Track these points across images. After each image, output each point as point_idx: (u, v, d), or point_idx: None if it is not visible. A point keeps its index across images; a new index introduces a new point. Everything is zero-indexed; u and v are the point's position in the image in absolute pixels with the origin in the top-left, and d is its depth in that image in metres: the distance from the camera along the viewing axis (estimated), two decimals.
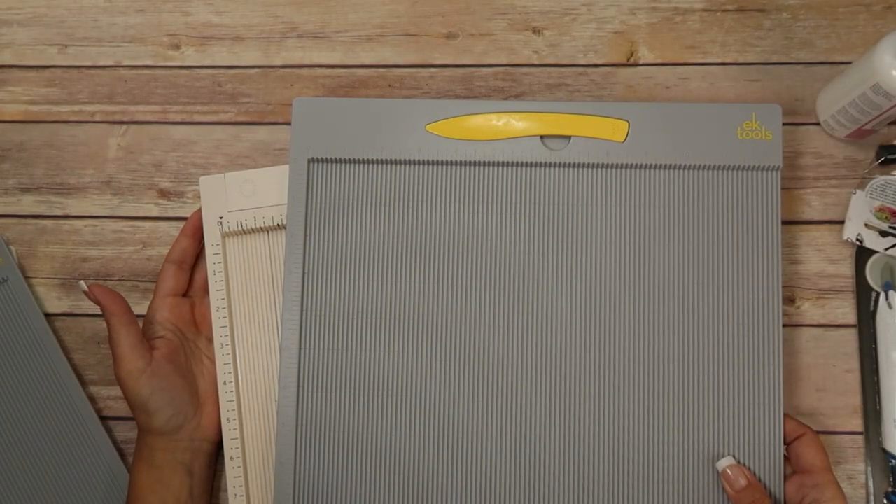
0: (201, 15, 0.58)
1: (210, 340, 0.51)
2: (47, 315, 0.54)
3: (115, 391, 0.53)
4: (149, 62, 0.57)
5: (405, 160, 0.49)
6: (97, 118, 0.57)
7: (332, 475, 0.47)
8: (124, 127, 0.56)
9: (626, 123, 0.48)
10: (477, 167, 0.49)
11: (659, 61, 0.55)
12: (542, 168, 0.49)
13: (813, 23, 0.55)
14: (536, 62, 0.56)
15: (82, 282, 0.47)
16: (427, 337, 0.48)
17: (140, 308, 0.54)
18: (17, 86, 0.57)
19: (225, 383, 0.50)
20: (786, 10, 0.56)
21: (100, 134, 0.56)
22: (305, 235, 0.48)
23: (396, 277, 0.48)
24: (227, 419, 0.49)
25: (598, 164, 0.48)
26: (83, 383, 0.53)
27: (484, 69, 0.56)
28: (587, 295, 0.47)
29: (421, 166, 0.49)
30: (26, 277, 0.55)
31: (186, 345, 0.50)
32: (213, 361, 0.50)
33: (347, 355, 0.48)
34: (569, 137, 0.48)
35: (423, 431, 0.47)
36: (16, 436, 0.51)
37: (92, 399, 0.53)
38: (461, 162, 0.49)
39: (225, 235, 0.51)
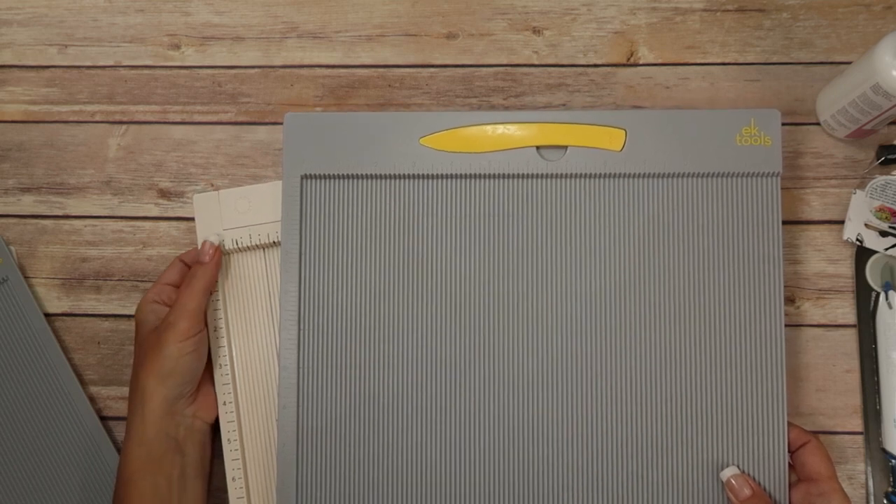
0: (201, 15, 0.58)
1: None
2: (47, 315, 0.54)
3: (115, 391, 0.53)
4: (149, 62, 0.57)
5: (400, 175, 0.48)
6: (97, 118, 0.57)
7: (335, 493, 0.47)
8: (124, 127, 0.56)
9: (623, 132, 0.48)
10: (473, 180, 0.48)
11: (659, 61, 0.55)
12: (539, 179, 0.48)
13: (813, 23, 0.55)
14: (536, 62, 0.56)
15: (213, 238, 0.49)
16: (425, 350, 0.47)
17: None
18: (17, 86, 0.57)
19: (225, 403, 0.49)
20: (786, 10, 0.56)
21: (100, 134, 0.56)
22: (300, 253, 0.48)
23: (394, 293, 0.48)
24: (228, 440, 0.49)
25: (595, 175, 0.48)
26: (83, 383, 0.53)
27: (484, 69, 0.56)
28: (587, 307, 0.47)
29: (416, 180, 0.48)
30: (26, 277, 0.55)
31: None
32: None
33: (346, 371, 0.47)
34: (565, 148, 0.48)
35: (424, 445, 0.47)
36: (15, 435, 0.51)
37: (92, 399, 0.53)
38: (456, 175, 0.48)
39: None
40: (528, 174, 0.48)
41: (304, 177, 0.48)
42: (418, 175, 0.48)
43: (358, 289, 0.48)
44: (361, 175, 0.48)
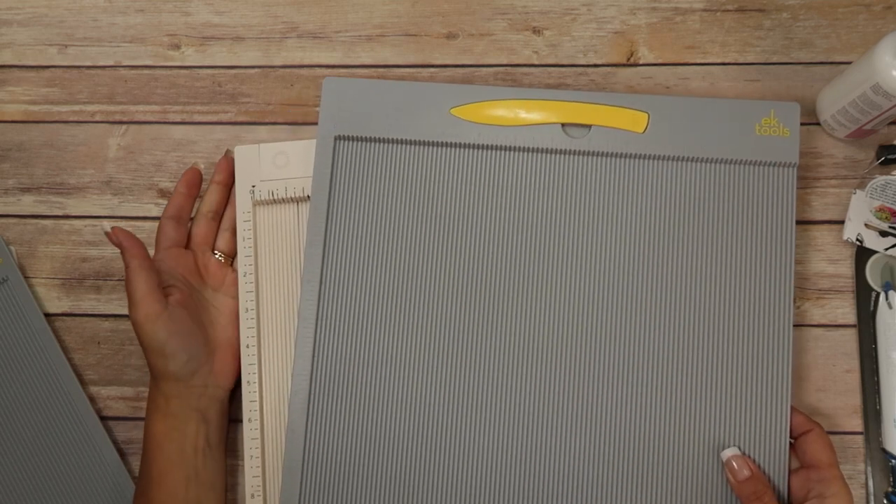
0: (201, 15, 0.58)
1: (216, 290, 0.51)
2: (47, 315, 0.54)
3: (115, 391, 0.53)
4: (149, 62, 0.57)
5: (429, 141, 0.50)
6: (97, 118, 0.57)
7: (343, 447, 0.48)
8: (124, 127, 0.56)
9: (646, 115, 0.49)
10: (498, 151, 0.50)
11: (659, 61, 0.55)
12: (562, 155, 0.50)
13: (813, 23, 0.55)
14: (536, 62, 0.56)
15: (105, 224, 0.48)
16: (443, 311, 0.48)
17: None
18: (17, 86, 0.57)
19: (248, 346, 0.51)
20: (786, 10, 0.56)
21: (100, 134, 0.56)
22: (328, 209, 0.49)
23: (415, 254, 0.49)
24: (248, 381, 0.50)
25: (617, 154, 0.49)
26: (83, 383, 0.53)
27: (484, 69, 0.56)
28: (601, 282, 0.48)
29: (443, 148, 0.50)
30: (26, 277, 0.55)
31: (194, 293, 0.50)
32: (220, 311, 0.51)
33: (363, 327, 0.49)
34: (589, 126, 0.49)
35: (435, 410, 0.48)
36: (15, 436, 0.51)
37: (92, 399, 0.53)
38: (483, 146, 0.50)
39: (256, 204, 0.52)
40: (552, 149, 0.49)
41: (338, 138, 0.50)
42: (446, 143, 0.50)
43: (380, 248, 0.49)
44: (392, 139, 0.50)
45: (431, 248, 0.49)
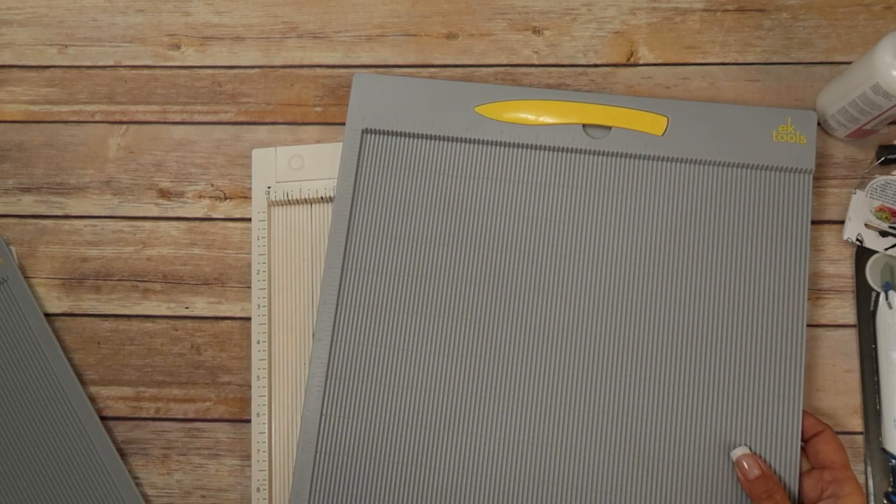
0: (201, 15, 0.58)
1: None
2: (47, 315, 0.54)
3: (115, 391, 0.53)
4: (149, 62, 0.57)
5: (453, 137, 0.51)
6: (97, 118, 0.57)
7: (357, 432, 0.48)
8: (124, 127, 0.56)
9: (666, 119, 0.50)
10: (520, 149, 0.51)
11: (659, 61, 0.55)
12: (583, 155, 0.51)
13: (813, 23, 0.55)
14: (536, 62, 0.56)
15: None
16: (461, 304, 0.49)
17: (140, 308, 0.54)
18: (17, 86, 0.57)
19: (259, 342, 0.52)
20: (786, 10, 0.56)
21: (100, 134, 0.56)
22: (353, 200, 0.51)
23: (435, 245, 0.50)
24: (258, 377, 0.52)
25: (636, 155, 0.50)
26: (83, 383, 0.53)
27: (484, 69, 0.56)
28: (617, 280, 0.49)
29: (467, 144, 0.51)
30: (26, 277, 0.55)
31: None
32: None
33: (382, 318, 0.50)
34: (609, 128, 0.50)
35: (454, 403, 0.48)
36: (15, 436, 0.51)
37: (92, 399, 0.53)
38: (506, 143, 0.51)
39: (271, 204, 0.54)
40: (573, 149, 0.51)
41: (365, 131, 0.52)
42: (470, 140, 0.51)
43: (402, 237, 0.51)
44: (417, 134, 0.51)
45: (451, 239, 0.50)
